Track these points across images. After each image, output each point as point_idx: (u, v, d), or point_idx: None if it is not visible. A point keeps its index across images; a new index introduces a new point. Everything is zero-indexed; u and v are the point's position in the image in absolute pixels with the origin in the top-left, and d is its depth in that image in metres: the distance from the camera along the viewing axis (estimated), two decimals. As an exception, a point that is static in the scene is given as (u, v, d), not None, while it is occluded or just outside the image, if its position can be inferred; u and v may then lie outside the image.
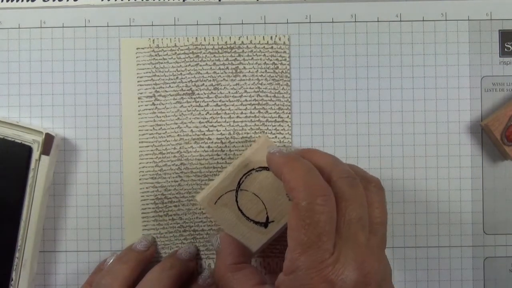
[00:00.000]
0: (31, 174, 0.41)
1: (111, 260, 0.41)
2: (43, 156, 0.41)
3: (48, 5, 0.44)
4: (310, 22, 0.44)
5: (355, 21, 0.44)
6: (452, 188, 0.44)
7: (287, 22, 0.44)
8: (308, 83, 0.44)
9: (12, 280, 0.41)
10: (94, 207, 0.44)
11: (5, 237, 0.41)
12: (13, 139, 0.41)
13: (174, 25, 0.44)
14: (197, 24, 0.44)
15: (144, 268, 0.41)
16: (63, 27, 0.44)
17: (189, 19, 0.44)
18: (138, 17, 0.44)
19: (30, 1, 0.44)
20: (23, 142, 0.41)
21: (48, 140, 0.42)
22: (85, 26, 0.44)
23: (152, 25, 0.44)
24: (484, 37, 0.44)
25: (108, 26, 0.44)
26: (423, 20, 0.44)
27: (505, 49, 0.44)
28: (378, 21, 0.44)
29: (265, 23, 0.44)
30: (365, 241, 0.33)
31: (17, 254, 0.41)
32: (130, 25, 0.44)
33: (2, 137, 0.41)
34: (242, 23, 0.44)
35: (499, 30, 0.44)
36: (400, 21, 0.44)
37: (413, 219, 0.44)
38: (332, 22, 0.44)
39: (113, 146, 0.44)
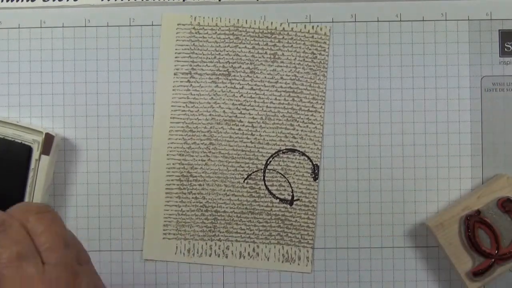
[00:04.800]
0: (31, 174, 0.41)
1: None
2: (43, 156, 0.41)
3: (48, 5, 0.44)
4: (310, 22, 0.44)
5: (355, 21, 0.44)
6: (452, 188, 0.44)
7: (288, 22, 0.44)
8: (308, 83, 0.44)
9: (12, 280, 0.41)
10: (94, 207, 0.44)
11: (5, 237, 0.41)
12: (13, 139, 0.42)
13: (174, 25, 0.44)
14: (197, 24, 0.44)
15: None
16: (63, 27, 0.44)
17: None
18: (138, 17, 0.44)
19: (30, 1, 0.44)
20: (23, 142, 0.41)
21: (48, 140, 0.42)
22: (85, 26, 0.44)
23: (152, 25, 0.44)
24: (484, 37, 0.44)
25: (108, 26, 0.44)
26: (423, 20, 0.44)
27: (505, 49, 0.44)
28: (378, 21, 0.44)
29: (267, 22, 0.44)
30: (36, 274, 0.31)
31: (17, 254, 0.41)
32: (130, 25, 0.44)
33: (2, 137, 0.41)
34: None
35: (499, 30, 0.44)
36: (400, 21, 0.44)
37: (413, 219, 0.44)
38: (332, 22, 0.44)
39: (113, 146, 0.44)
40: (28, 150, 0.41)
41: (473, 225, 0.40)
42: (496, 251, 0.40)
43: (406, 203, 0.44)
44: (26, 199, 0.41)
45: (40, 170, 0.41)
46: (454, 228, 0.41)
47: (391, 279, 0.44)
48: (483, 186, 0.43)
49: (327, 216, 0.44)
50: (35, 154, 0.41)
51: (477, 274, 0.40)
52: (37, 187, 0.41)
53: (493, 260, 0.40)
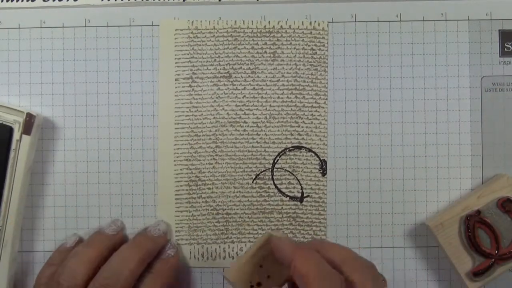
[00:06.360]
0: (12, 155, 0.41)
1: (72, 241, 0.41)
2: (24, 136, 0.41)
3: (48, 5, 0.44)
4: (310, 22, 0.44)
5: (355, 21, 0.44)
6: (452, 188, 0.44)
7: (285, 20, 0.44)
8: (308, 83, 0.44)
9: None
10: (94, 207, 0.44)
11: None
12: None
13: (174, 25, 0.44)
14: (197, 24, 0.44)
15: (111, 252, 0.39)
16: (63, 27, 0.44)
17: (189, 19, 0.44)
18: (138, 17, 0.44)
19: (30, 1, 0.44)
20: (4, 123, 0.41)
21: (30, 120, 0.41)
22: (85, 26, 0.44)
23: (152, 25, 0.44)
24: (484, 37, 0.44)
25: (108, 26, 0.44)
26: (423, 20, 0.44)
27: (505, 49, 0.44)
28: (378, 21, 0.44)
29: (265, 22, 0.44)
30: None
31: (-3, 234, 0.41)
32: (130, 25, 0.44)
33: (-18, 118, 0.41)
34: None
35: (499, 30, 0.44)
36: (400, 21, 0.44)
37: (413, 219, 0.44)
38: (332, 22, 0.44)
39: (113, 146, 0.44)
40: (9, 130, 0.41)
41: (473, 225, 0.41)
42: (496, 251, 0.40)
43: (406, 203, 0.44)
44: (8, 179, 0.41)
45: (21, 150, 0.41)
46: (454, 228, 0.41)
47: (391, 279, 0.44)
48: (483, 186, 0.43)
49: (327, 216, 0.44)
50: (16, 135, 0.41)
51: (477, 274, 0.40)
52: (18, 167, 0.41)
53: (493, 260, 0.40)
